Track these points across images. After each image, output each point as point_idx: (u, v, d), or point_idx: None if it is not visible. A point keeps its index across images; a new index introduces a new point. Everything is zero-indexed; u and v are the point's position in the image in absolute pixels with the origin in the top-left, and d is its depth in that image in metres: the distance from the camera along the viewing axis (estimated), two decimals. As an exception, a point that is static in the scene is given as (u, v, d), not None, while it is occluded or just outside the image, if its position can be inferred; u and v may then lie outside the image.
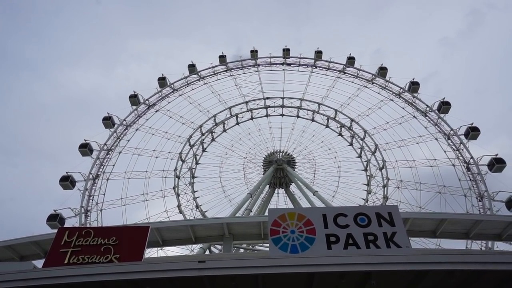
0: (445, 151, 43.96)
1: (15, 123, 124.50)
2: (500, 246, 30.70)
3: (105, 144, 44.31)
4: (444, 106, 44.53)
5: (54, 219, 36.56)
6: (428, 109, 45.97)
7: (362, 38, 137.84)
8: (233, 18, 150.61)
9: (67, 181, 39.43)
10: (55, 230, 17.22)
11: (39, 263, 16.28)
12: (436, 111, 45.28)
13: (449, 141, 44.31)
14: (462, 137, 43.05)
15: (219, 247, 36.70)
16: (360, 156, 50.31)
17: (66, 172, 39.97)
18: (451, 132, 43.94)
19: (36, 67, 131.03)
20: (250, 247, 40.52)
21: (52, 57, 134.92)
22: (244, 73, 51.06)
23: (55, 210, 37.26)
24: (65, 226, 36.85)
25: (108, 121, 44.79)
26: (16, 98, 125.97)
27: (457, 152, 43.46)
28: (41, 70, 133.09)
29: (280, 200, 56.79)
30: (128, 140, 45.81)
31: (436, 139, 44.81)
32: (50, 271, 12.90)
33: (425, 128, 45.49)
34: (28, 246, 20.46)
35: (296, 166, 54.17)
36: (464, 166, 42.63)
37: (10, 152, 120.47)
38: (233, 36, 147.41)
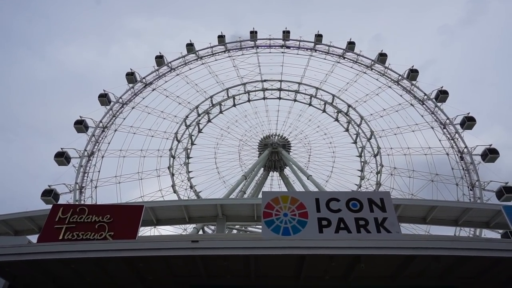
0: (440, 140, 44.32)
1: (10, 99, 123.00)
2: (487, 234, 31.46)
3: (100, 121, 44.03)
4: (442, 95, 44.56)
5: (49, 194, 36.66)
6: (425, 97, 45.97)
7: (362, 23, 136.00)
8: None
9: (62, 157, 39.31)
10: (50, 206, 17.29)
11: (34, 238, 16.39)
12: (434, 100, 45.30)
13: (445, 130, 44.56)
14: (458, 126, 43.28)
15: (212, 227, 37.16)
16: (355, 142, 50.49)
17: (61, 148, 39.82)
18: (447, 121, 44.11)
19: (31, 43, 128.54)
20: (243, 228, 41.07)
21: (47, 34, 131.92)
22: (242, 54, 50.44)
23: (49, 186, 37.33)
24: (59, 202, 37.02)
25: (104, 98, 44.32)
26: (11, 74, 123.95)
27: (452, 141, 43.81)
28: (37, 46, 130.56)
29: (274, 183, 57.29)
30: (124, 118, 45.57)
31: (432, 127, 45.03)
32: (44, 246, 13.03)
33: (422, 116, 45.63)
34: (23, 222, 20.54)
35: (291, 150, 54.34)
36: (457, 155, 43.05)
37: (5, 128, 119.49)
38: (232, 16, 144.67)
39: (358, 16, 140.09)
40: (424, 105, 46.15)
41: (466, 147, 42.32)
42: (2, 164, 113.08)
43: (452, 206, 21.43)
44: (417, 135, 45.51)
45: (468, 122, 42.02)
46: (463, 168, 42.26)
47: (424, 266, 13.16)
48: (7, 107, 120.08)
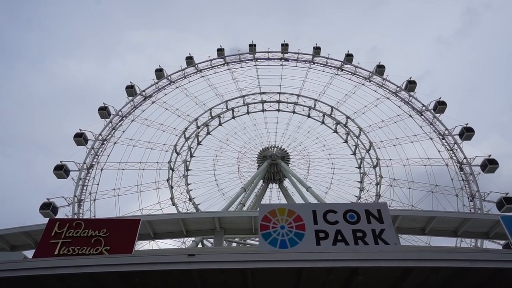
0: (439, 151, 44.37)
1: (9, 113, 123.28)
2: (489, 245, 31.20)
3: (100, 134, 44.15)
4: (440, 106, 44.75)
5: (47, 207, 36.47)
6: (424, 108, 46.17)
7: (359, 35, 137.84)
8: (231, 11, 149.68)
9: (61, 170, 39.27)
10: (47, 220, 17.18)
11: (30, 253, 16.21)
12: (432, 111, 45.49)
13: (444, 140, 44.62)
14: (457, 137, 43.37)
15: (212, 240, 36.85)
16: (354, 154, 50.53)
17: (60, 161, 39.81)
18: (446, 132, 44.22)
19: (30, 57, 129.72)
20: (243, 241, 40.73)
21: (47, 48, 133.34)
22: (241, 67, 50.93)
23: (48, 199, 37.16)
24: (58, 214, 36.85)
25: (103, 111, 44.55)
26: (10, 88, 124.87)
27: (451, 152, 43.82)
28: (36, 60, 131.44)
29: (273, 195, 57.14)
30: (123, 131, 45.69)
31: (431, 138, 45.12)
32: (40, 261, 12.85)
33: (420, 127, 45.79)
34: (19, 237, 20.27)
35: (290, 162, 54.34)
36: (457, 166, 43.01)
37: (3, 142, 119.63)
38: (230, 29, 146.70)
39: (355, 28, 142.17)
40: (422, 116, 46.32)
41: (465, 157, 42.34)
42: (1, 179, 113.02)
43: (451, 217, 21.30)
44: (416, 146, 45.66)
45: (467, 132, 42.12)
46: (462, 179, 42.19)
47: (423, 278, 13.00)
48: (6, 122, 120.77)
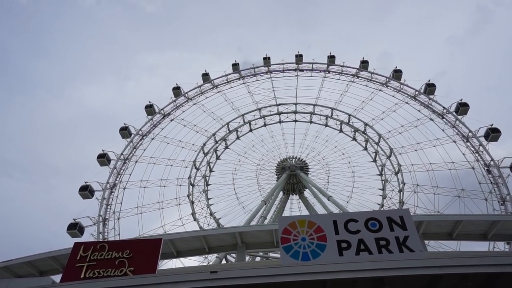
0: (463, 154, 42.90)
1: (32, 141, 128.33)
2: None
3: (121, 153, 45.19)
4: (462, 108, 43.44)
5: (74, 227, 37.37)
6: (445, 111, 44.98)
7: (368, 40, 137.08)
8: (240, 27, 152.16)
9: (86, 190, 40.32)
10: (74, 241, 17.58)
11: (58, 278, 16.51)
12: (454, 113, 44.26)
13: (468, 143, 43.19)
14: (482, 138, 41.88)
15: (235, 255, 36.66)
16: (375, 161, 49.63)
17: (85, 182, 40.91)
18: (470, 134, 42.83)
19: (51, 86, 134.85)
20: (267, 254, 40.33)
21: (66, 76, 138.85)
22: (257, 80, 51.44)
23: (74, 219, 38.11)
24: (84, 233, 37.67)
25: (125, 131, 45.75)
26: (33, 117, 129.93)
27: (477, 155, 42.30)
28: (56, 89, 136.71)
29: (294, 206, 56.56)
30: (144, 150, 46.62)
31: (454, 141, 43.78)
32: (67, 286, 13.24)
33: (442, 130, 44.57)
34: (47, 262, 20.67)
35: (309, 172, 53.86)
36: (484, 168, 41.43)
37: (28, 170, 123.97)
38: (241, 44, 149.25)
39: (364, 34, 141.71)
40: (444, 119, 45.11)
41: (492, 159, 40.78)
42: (27, 205, 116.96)
43: (479, 220, 20.42)
44: (439, 150, 44.41)
45: (493, 134, 40.60)
46: (491, 182, 40.54)
47: (452, 285, 12.51)
48: (30, 150, 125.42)
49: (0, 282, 13.69)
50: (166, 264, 30.24)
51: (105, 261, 14.99)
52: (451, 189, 42.32)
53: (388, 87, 48.55)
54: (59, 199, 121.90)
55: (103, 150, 43.56)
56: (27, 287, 13.35)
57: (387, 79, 48.63)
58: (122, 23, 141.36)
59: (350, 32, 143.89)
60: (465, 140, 43.27)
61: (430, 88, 46.29)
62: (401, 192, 45.57)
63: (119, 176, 44.20)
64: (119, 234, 40.80)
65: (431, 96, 46.21)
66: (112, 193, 42.91)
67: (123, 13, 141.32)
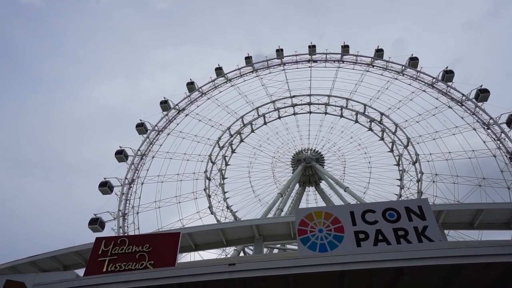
0: (484, 142, 41.65)
1: (50, 140, 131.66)
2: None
3: (138, 149, 45.91)
4: (482, 94, 42.05)
5: (95, 222, 38.36)
6: (464, 98, 43.73)
7: (382, 28, 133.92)
8: (251, 20, 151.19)
9: (105, 186, 41.25)
10: (95, 236, 18.06)
11: (81, 272, 17.07)
12: (474, 100, 42.98)
13: (489, 130, 41.92)
14: (504, 125, 40.55)
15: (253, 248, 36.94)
16: (391, 151, 48.84)
17: (104, 178, 41.86)
18: (491, 121, 41.53)
19: (67, 86, 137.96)
20: (284, 246, 40.47)
21: (82, 75, 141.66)
22: (270, 72, 51.20)
23: (95, 214, 39.11)
24: (105, 227, 38.66)
25: (141, 128, 46.44)
26: (51, 117, 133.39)
27: (498, 142, 41.02)
28: (72, 88, 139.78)
29: (310, 198, 56.42)
30: (161, 145, 47.24)
31: (474, 129, 42.57)
32: (90, 279, 13.65)
33: (462, 118, 43.32)
34: (70, 256, 21.47)
35: (325, 163, 53.53)
36: (506, 156, 40.19)
37: (47, 168, 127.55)
38: (252, 37, 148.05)
39: (378, 21, 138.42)
40: (463, 106, 43.88)
41: (515, 146, 39.53)
42: (48, 203, 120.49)
43: (501, 208, 19.90)
44: (458, 138, 43.29)
45: (516, 120, 39.31)
46: (514, 170, 39.37)
47: (474, 275, 12.30)
48: (48, 148, 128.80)
49: (27, 276, 14.22)
50: (185, 258, 30.79)
51: (126, 255, 15.34)
52: (472, 178, 41.34)
53: (404, 76, 47.51)
54: (78, 196, 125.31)
55: (120, 147, 44.41)
56: (52, 280, 13.84)
57: (403, 67, 47.57)
58: (134, 21, 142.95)
59: (363, 19, 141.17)
60: (485, 127, 41.99)
61: (448, 75, 45.03)
62: (419, 182, 44.76)
63: (137, 171, 44.99)
64: (138, 228, 41.70)
65: (449, 83, 44.99)
66: (131, 189, 43.75)
67: (134, 11, 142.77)
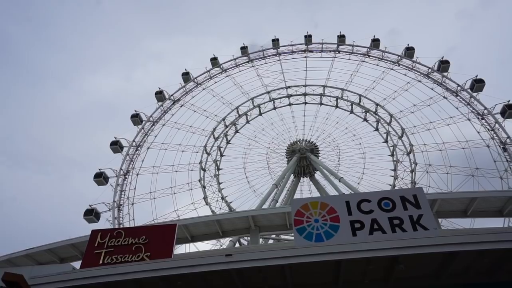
0: (478, 132, 41.87)
1: (43, 132, 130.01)
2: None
3: (133, 140, 45.57)
4: (477, 84, 42.02)
5: (90, 213, 38.24)
6: (459, 88, 43.77)
7: (376, 17, 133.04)
8: (245, 9, 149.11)
9: (100, 177, 40.97)
10: (90, 228, 18.02)
11: (77, 264, 17.05)
12: (469, 90, 43.05)
13: (483, 120, 42.12)
14: (498, 116, 40.76)
15: (248, 239, 37.14)
16: (386, 141, 49.02)
17: (99, 169, 41.58)
18: (485, 111, 41.69)
19: (59, 77, 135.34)
20: (279, 237, 40.74)
21: (74, 66, 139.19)
22: (265, 63, 50.78)
23: (90, 205, 38.95)
24: (100, 218, 38.53)
25: (136, 118, 46.06)
26: (43, 108, 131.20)
27: (492, 132, 41.27)
28: (65, 79, 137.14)
29: (305, 189, 56.71)
30: (155, 136, 46.92)
31: (469, 119, 42.73)
32: (87, 271, 13.67)
33: (456, 108, 43.42)
34: (66, 249, 21.46)
35: (320, 154, 53.67)
36: (500, 146, 40.51)
37: (42, 161, 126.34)
38: (247, 27, 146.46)
39: (371, 10, 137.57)
40: (458, 97, 43.95)
41: (508, 137, 39.75)
42: (43, 196, 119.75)
43: (494, 196, 20.19)
44: (453, 128, 43.42)
45: (510, 110, 39.21)
46: (507, 160, 39.70)
47: (468, 262, 12.48)
48: (42, 141, 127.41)
49: (23, 269, 14.17)
50: (180, 249, 30.84)
51: (122, 247, 15.41)
52: (465, 168, 41.70)
53: (400, 66, 47.39)
54: (73, 188, 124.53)
55: (115, 138, 44.05)
56: (49, 273, 13.82)
57: (399, 57, 47.41)
58: (126, 10, 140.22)
59: (357, 9, 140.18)
60: (480, 117, 42.18)
61: (444, 65, 44.91)
62: (413, 173, 45.09)
63: (132, 162, 44.75)
64: (133, 219, 41.67)
65: (445, 74, 45.01)
66: (126, 179, 43.57)
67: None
